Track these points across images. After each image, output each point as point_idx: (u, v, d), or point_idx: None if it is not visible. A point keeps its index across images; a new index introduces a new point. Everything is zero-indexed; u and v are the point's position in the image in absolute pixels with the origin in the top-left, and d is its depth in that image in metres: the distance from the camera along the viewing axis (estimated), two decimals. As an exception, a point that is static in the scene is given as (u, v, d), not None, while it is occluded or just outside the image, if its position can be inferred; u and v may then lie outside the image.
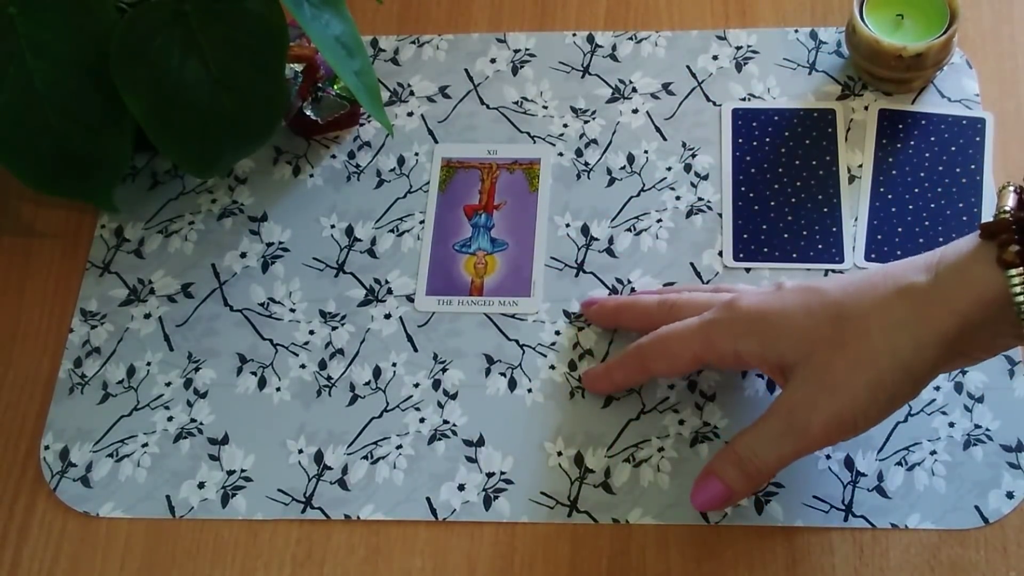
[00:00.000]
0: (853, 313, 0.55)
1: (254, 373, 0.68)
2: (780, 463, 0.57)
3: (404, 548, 0.63)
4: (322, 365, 0.68)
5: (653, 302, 0.65)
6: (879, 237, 0.69)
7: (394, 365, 0.68)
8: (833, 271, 0.68)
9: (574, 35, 0.79)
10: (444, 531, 0.63)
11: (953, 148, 0.72)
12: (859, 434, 0.56)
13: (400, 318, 0.69)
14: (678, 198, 0.72)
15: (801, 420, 0.55)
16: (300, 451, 0.66)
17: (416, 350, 0.68)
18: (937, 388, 0.65)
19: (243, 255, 0.72)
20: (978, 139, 0.72)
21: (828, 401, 0.55)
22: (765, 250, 0.70)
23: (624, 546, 0.62)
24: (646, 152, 0.74)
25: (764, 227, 0.70)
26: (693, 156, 0.73)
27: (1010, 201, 0.54)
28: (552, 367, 0.67)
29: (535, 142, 0.75)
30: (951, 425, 0.64)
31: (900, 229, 0.69)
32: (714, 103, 0.75)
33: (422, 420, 0.66)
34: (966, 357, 0.57)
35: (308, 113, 0.75)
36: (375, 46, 0.80)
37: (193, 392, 0.68)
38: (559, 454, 0.65)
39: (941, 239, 0.69)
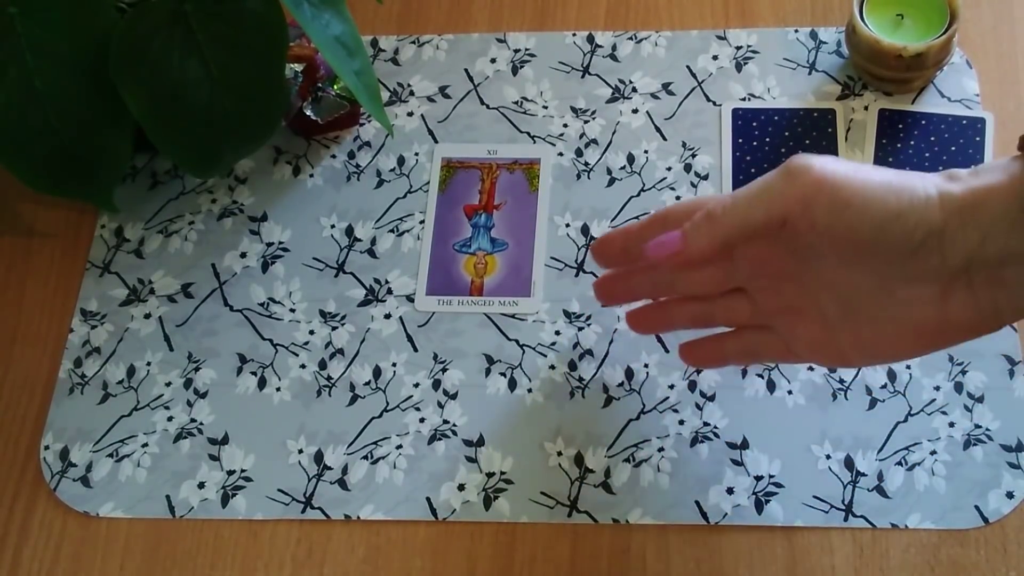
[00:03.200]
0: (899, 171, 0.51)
1: (254, 373, 0.68)
2: (748, 215, 0.51)
3: (404, 548, 0.63)
4: (322, 365, 0.68)
5: (680, 205, 0.57)
6: (879, 237, 0.69)
7: (394, 365, 0.68)
8: (833, 271, 0.68)
9: (574, 35, 0.79)
10: (444, 531, 0.63)
11: (953, 148, 0.72)
12: (837, 230, 0.50)
13: (400, 318, 0.69)
14: (678, 198, 0.72)
15: (799, 164, 0.50)
16: (300, 451, 0.66)
17: (416, 350, 0.68)
18: (937, 388, 0.65)
19: (243, 255, 0.72)
20: (978, 139, 0.72)
21: (839, 165, 0.50)
22: (765, 250, 0.69)
23: (624, 546, 0.62)
24: (646, 152, 0.74)
25: (764, 227, 0.70)
26: (693, 156, 0.74)
27: None
28: (552, 367, 0.67)
29: (535, 142, 0.75)
30: (951, 425, 0.64)
31: (900, 229, 0.69)
32: (714, 103, 0.75)
33: (422, 420, 0.66)
34: (969, 273, 0.50)
35: (308, 113, 0.75)
36: (375, 46, 0.80)
37: (193, 392, 0.68)
38: (559, 454, 0.65)
39: (941, 239, 0.69)
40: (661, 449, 0.64)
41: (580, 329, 0.68)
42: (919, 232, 0.50)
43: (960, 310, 0.51)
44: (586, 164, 0.74)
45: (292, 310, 0.70)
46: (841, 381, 0.65)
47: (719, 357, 0.60)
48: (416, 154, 0.75)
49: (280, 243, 0.73)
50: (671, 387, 0.66)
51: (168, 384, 0.68)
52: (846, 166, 0.50)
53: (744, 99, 0.75)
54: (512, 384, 0.67)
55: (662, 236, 0.55)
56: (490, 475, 0.64)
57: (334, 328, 0.69)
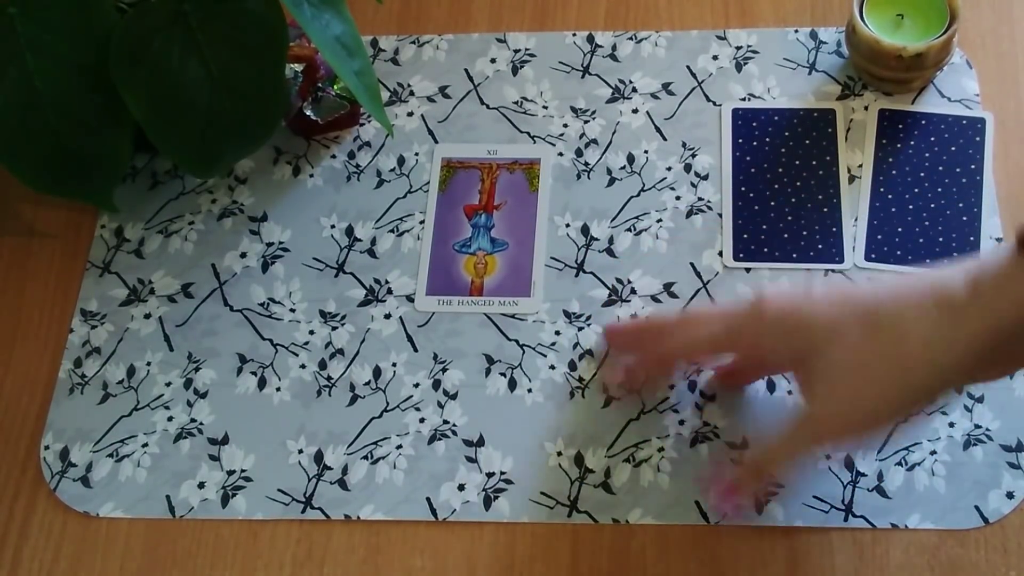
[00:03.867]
0: (887, 313, 0.54)
1: (254, 373, 0.68)
2: (785, 460, 0.57)
3: (404, 548, 0.63)
4: (322, 365, 0.68)
5: (672, 316, 0.64)
6: (879, 237, 0.69)
7: (394, 365, 0.68)
8: (833, 271, 0.68)
9: (574, 35, 0.79)
10: (444, 531, 0.63)
11: (953, 148, 0.72)
12: (876, 433, 0.56)
13: (400, 318, 0.69)
14: (678, 198, 0.72)
15: (813, 424, 0.55)
16: (300, 451, 0.66)
17: (416, 350, 0.68)
18: (937, 388, 0.65)
19: (243, 255, 0.72)
20: (978, 139, 0.72)
21: (855, 391, 0.54)
22: (765, 250, 0.70)
23: (624, 546, 0.62)
24: (646, 152, 0.74)
25: (764, 227, 0.70)
26: (693, 156, 0.73)
27: None
28: (552, 367, 0.67)
29: (535, 142, 0.75)
30: (951, 425, 0.64)
31: (900, 229, 0.69)
32: (714, 103, 0.75)
33: (422, 420, 0.66)
34: (1000, 368, 0.56)
35: (308, 113, 0.75)
36: (375, 46, 0.80)
37: (193, 392, 0.68)
38: (559, 454, 0.65)
39: (941, 239, 0.69)
40: (661, 449, 0.64)
41: (580, 329, 0.68)
42: (941, 396, 0.58)
43: (982, 376, 0.58)
44: (586, 164, 0.74)
45: (292, 310, 0.70)
46: (841, 381, 0.65)
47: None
48: (416, 154, 0.75)
49: (280, 243, 0.73)
50: (671, 387, 0.66)
51: (168, 384, 0.68)
52: (850, 400, 0.54)
53: (744, 99, 0.75)
54: (512, 384, 0.67)
55: (721, 490, 0.60)
56: (490, 475, 0.64)
57: (334, 328, 0.69)
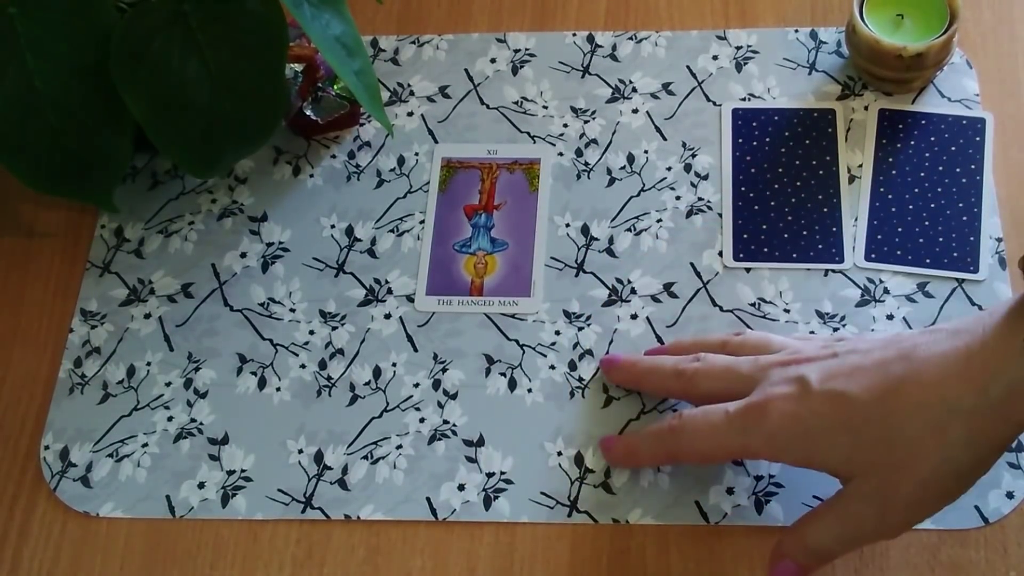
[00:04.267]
0: (904, 436, 0.53)
1: (254, 373, 0.68)
2: (847, 552, 0.59)
3: (404, 548, 0.63)
4: (322, 365, 0.68)
5: (669, 371, 0.62)
6: (879, 237, 0.69)
7: (394, 365, 0.68)
8: (833, 271, 0.68)
9: (574, 35, 0.79)
10: (444, 531, 0.63)
11: (953, 148, 0.72)
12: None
13: (400, 318, 0.69)
14: (678, 198, 0.72)
15: (871, 528, 0.56)
16: (300, 451, 0.66)
17: (416, 350, 0.68)
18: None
19: (243, 255, 0.72)
20: (978, 139, 0.72)
21: (899, 516, 0.55)
22: (765, 250, 0.70)
23: (624, 546, 0.62)
24: (646, 152, 0.74)
25: (764, 227, 0.70)
26: (693, 156, 0.73)
27: None
28: (552, 367, 0.67)
29: (535, 142, 0.75)
30: (951, 425, 0.64)
31: (900, 229, 0.69)
32: (714, 103, 0.75)
33: (422, 420, 0.66)
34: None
35: (308, 113, 0.75)
36: (375, 46, 0.80)
37: (193, 392, 0.68)
38: (559, 454, 0.65)
39: (941, 239, 0.69)
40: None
41: (580, 329, 0.68)
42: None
43: None
44: (586, 164, 0.74)
45: (292, 310, 0.70)
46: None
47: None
48: (416, 154, 0.75)
49: (280, 243, 0.73)
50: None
51: (168, 384, 0.68)
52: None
53: (744, 99, 0.75)
54: (512, 384, 0.67)
55: (782, 568, 0.58)
56: (490, 475, 0.64)
57: (334, 328, 0.69)
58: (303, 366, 0.68)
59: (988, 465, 0.54)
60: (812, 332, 0.67)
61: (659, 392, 0.65)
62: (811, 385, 0.56)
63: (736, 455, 0.60)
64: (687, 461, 0.62)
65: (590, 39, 0.79)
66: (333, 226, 0.73)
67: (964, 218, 0.69)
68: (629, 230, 0.71)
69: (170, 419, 0.67)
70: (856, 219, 0.70)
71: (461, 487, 0.64)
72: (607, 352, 0.67)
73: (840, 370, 0.56)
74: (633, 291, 0.69)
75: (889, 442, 0.54)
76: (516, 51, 0.79)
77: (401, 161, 0.75)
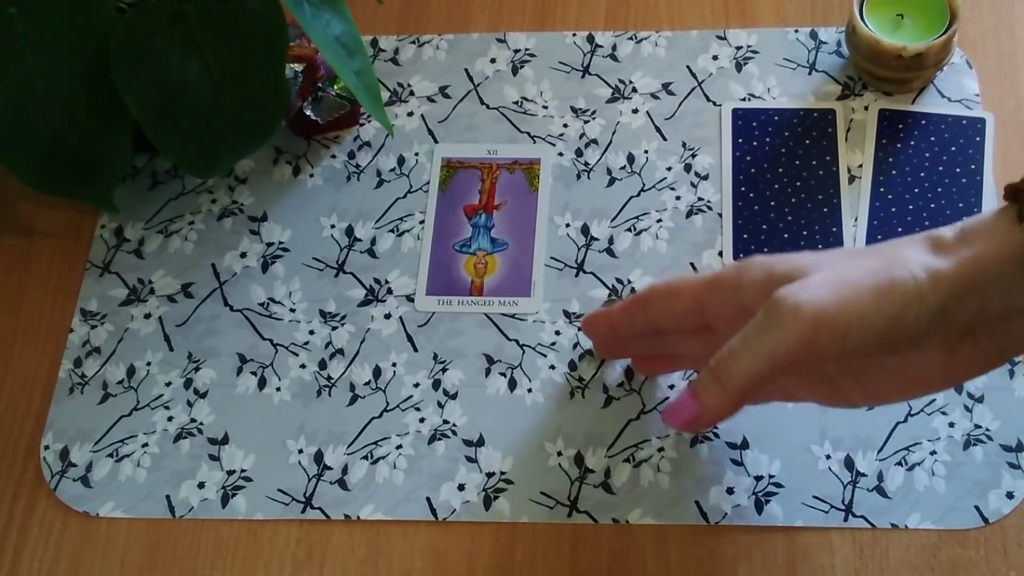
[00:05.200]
0: (874, 247, 0.52)
1: (254, 373, 0.68)
2: (755, 365, 0.50)
3: (404, 548, 0.63)
4: (322, 365, 0.68)
5: (648, 288, 0.60)
6: (879, 237, 0.69)
7: (394, 365, 0.68)
8: (833, 271, 0.68)
9: (574, 35, 0.79)
10: (444, 531, 0.63)
11: (953, 148, 0.72)
12: (845, 351, 0.49)
13: (400, 318, 0.69)
14: (678, 198, 0.72)
15: (788, 308, 0.49)
16: (300, 451, 0.66)
17: (416, 350, 0.68)
18: (937, 388, 0.65)
19: (243, 255, 0.72)
20: (978, 139, 0.72)
21: (826, 294, 0.49)
22: (765, 250, 0.70)
23: (624, 546, 0.62)
24: (646, 152, 0.74)
25: (764, 227, 0.70)
26: (693, 156, 0.74)
27: None
28: (552, 367, 0.67)
29: (535, 142, 0.75)
30: (951, 425, 0.64)
31: (900, 229, 0.69)
32: (714, 103, 0.75)
33: (422, 420, 0.66)
34: (973, 329, 0.51)
35: (308, 113, 0.75)
36: (375, 46, 0.80)
37: (193, 392, 0.68)
38: (559, 454, 0.65)
39: (941, 239, 0.69)
40: (661, 449, 0.64)
41: (580, 329, 0.68)
42: (920, 322, 0.49)
43: (967, 360, 0.52)
44: (586, 164, 0.74)
45: (292, 310, 0.70)
46: (841, 381, 0.65)
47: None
48: (416, 154, 0.75)
49: (280, 243, 0.73)
50: (671, 387, 0.66)
51: (168, 384, 0.68)
52: (831, 290, 0.49)
53: (744, 99, 0.75)
54: (512, 384, 0.67)
55: (674, 403, 0.54)
56: (490, 475, 0.64)
57: (334, 328, 0.69)
58: (303, 366, 0.68)
59: (936, 293, 0.49)
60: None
61: (636, 324, 0.60)
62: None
63: (701, 292, 0.55)
64: (656, 309, 0.58)
65: (590, 39, 0.79)
66: (333, 226, 0.73)
67: (964, 218, 0.69)
68: (629, 230, 0.71)
69: (170, 419, 0.67)
70: (856, 219, 0.70)
71: (461, 487, 0.64)
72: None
73: None
74: (633, 291, 0.69)
75: (863, 248, 0.51)
76: (516, 51, 0.79)
77: (401, 161, 0.75)
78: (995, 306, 0.50)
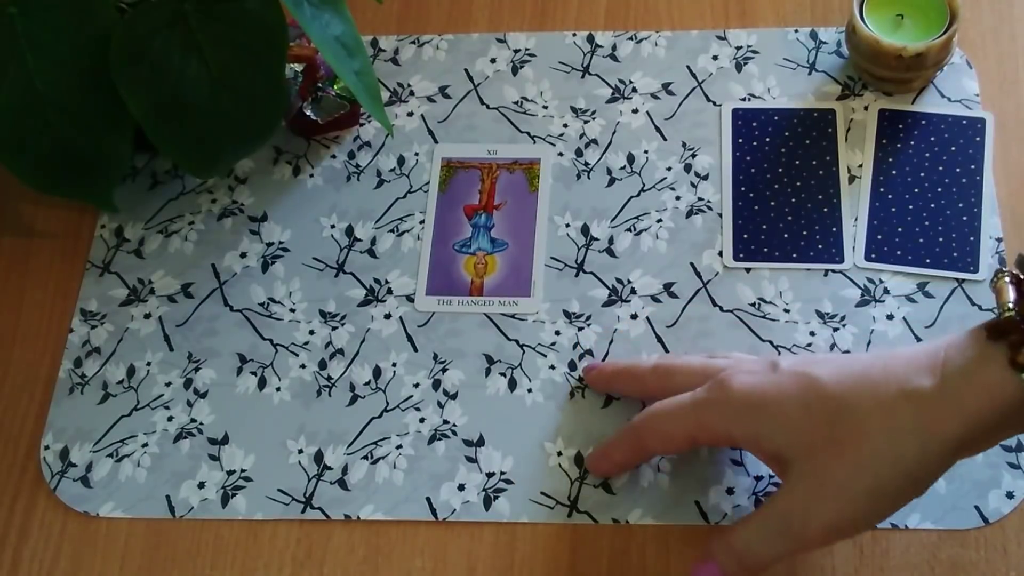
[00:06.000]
0: (853, 413, 0.52)
1: (254, 373, 0.68)
2: (776, 560, 0.55)
3: (404, 548, 0.63)
4: (322, 365, 0.68)
5: (647, 368, 0.63)
6: (879, 237, 0.69)
7: (394, 365, 0.68)
8: (833, 271, 0.68)
9: (574, 35, 0.79)
10: (444, 531, 0.63)
11: (953, 148, 0.72)
12: (860, 534, 0.55)
13: (400, 318, 0.69)
14: (678, 198, 0.72)
15: (798, 524, 0.53)
16: (300, 451, 0.66)
17: (416, 350, 0.68)
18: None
19: (243, 255, 0.72)
20: (978, 139, 0.72)
21: (826, 508, 0.52)
22: (765, 250, 0.70)
23: (624, 546, 0.62)
24: (646, 152, 0.74)
25: (764, 227, 0.70)
26: (693, 156, 0.74)
27: (1011, 295, 0.52)
28: (552, 367, 0.67)
29: (535, 142, 0.75)
30: (951, 425, 0.64)
31: (900, 229, 0.69)
32: (714, 103, 0.75)
33: (422, 420, 0.66)
34: (970, 451, 0.54)
35: (308, 113, 0.75)
36: (375, 46, 0.80)
37: (193, 392, 0.68)
38: (559, 454, 0.65)
39: (941, 239, 0.69)
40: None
41: (580, 329, 0.68)
42: (921, 491, 0.53)
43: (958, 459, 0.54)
44: (586, 164, 0.74)
45: (292, 310, 0.70)
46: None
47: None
48: (416, 154, 0.75)
49: (280, 243, 0.73)
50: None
51: (168, 384, 0.68)
52: (831, 503, 0.53)
53: (744, 99, 0.75)
54: (512, 384, 0.67)
55: (704, 568, 0.57)
56: (490, 475, 0.64)
57: (334, 328, 0.69)
58: (303, 366, 0.68)
59: (933, 470, 0.52)
60: (812, 332, 0.67)
61: (635, 389, 0.64)
62: (780, 365, 0.56)
63: (693, 431, 0.58)
64: (653, 449, 0.61)
65: (590, 39, 0.79)
66: (333, 226, 0.73)
67: (964, 218, 0.69)
68: (629, 230, 0.71)
69: (170, 419, 0.67)
70: (856, 219, 0.70)
71: (461, 487, 0.64)
72: (607, 353, 0.67)
73: (814, 359, 0.57)
74: (633, 291, 0.69)
75: (837, 416, 0.52)
76: (516, 51, 0.79)
77: (401, 161, 0.75)
78: (992, 437, 0.53)
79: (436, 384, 0.67)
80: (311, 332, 0.69)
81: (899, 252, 0.69)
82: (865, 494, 0.52)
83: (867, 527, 0.55)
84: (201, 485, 0.65)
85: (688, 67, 0.77)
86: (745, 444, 0.57)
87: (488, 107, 0.77)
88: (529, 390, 0.67)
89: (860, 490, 0.52)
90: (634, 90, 0.76)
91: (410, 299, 0.70)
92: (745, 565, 0.56)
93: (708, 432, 0.58)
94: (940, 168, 0.71)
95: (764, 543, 0.55)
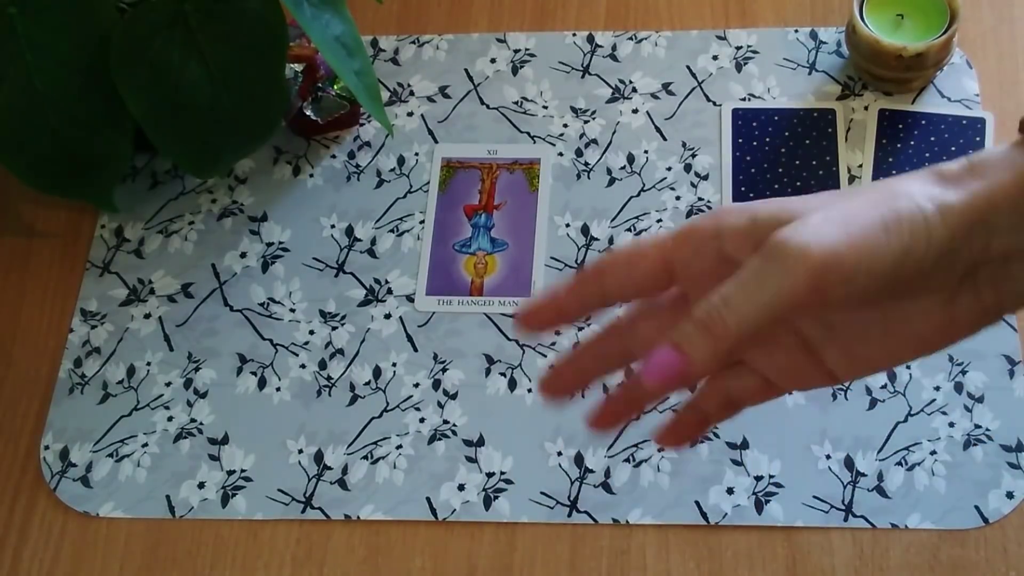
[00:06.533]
0: (873, 184, 0.47)
1: (254, 373, 0.68)
2: (755, 316, 0.44)
3: (404, 548, 0.63)
4: (322, 365, 0.68)
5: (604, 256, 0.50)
6: (879, 237, 0.69)
7: (394, 365, 0.68)
8: (833, 271, 0.68)
9: (574, 35, 0.79)
10: (444, 531, 0.63)
11: (953, 148, 0.72)
12: (852, 294, 0.44)
13: (400, 318, 0.69)
14: (678, 198, 0.72)
15: (794, 249, 0.43)
16: (300, 451, 0.66)
17: (416, 350, 0.68)
18: (937, 388, 0.65)
19: (243, 255, 0.72)
20: (978, 139, 0.72)
21: (833, 231, 0.44)
22: (765, 250, 0.69)
23: (624, 546, 0.62)
24: (646, 152, 0.74)
25: (764, 227, 0.70)
26: (693, 156, 0.74)
27: None
28: (552, 367, 0.67)
29: (535, 142, 0.75)
30: (951, 425, 0.64)
31: (900, 229, 0.69)
32: (714, 103, 0.75)
33: (422, 420, 0.66)
34: (974, 274, 0.47)
35: (308, 113, 0.75)
36: (375, 46, 0.80)
37: (193, 392, 0.68)
38: (559, 454, 0.65)
39: (941, 239, 0.69)
40: (661, 449, 0.64)
41: (580, 329, 0.68)
42: (928, 258, 0.45)
43: (964, 312, 0.48)
44: (586, 164, 0.74)
45: (292, 310, 0.70)
46: (841, 381, 0.65)
47: (702, 424, 0.53)
48: (416, 154, 0.75)
49: (280, 243, 0.73)
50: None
51: (168, 384, 0.68)
52: (837, 228, 0.45)
53: (744, 99, 0.75)
54: (512, 384, 0.67)
55: (653, 360, 0.45)
56: (490, 475, 0.64)
57: (334, 328, 0.69)
58: (303, 366, 0.68)
59: (950, 227, 0.44)
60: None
61: (589, 302, 0.51)
62: None
63: (668, 247, 0.48)
64: (613, 283, 0.50)
65: (590, 39, 0.79)
66: (333, 226, 0.73)
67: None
68: (629, 230, 0.71)
69: (170, 419, 0.67)
70: (856, 219, 0.70)
71: (461, 487, 0.64)
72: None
73: None
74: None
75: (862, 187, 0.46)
76: (516, 51, 0.79)
77: (401, 161, 0.75)
78: (1001, 244, 0.46)
79: (436, 384, 0.67)
80: (311, 332, 0.69)
81: (899, 252, 0.69)
82: (880, 222, 0.44)
83: (868, 277, 0.44)
84: (201, 485, 0.65)
85: (688, 67, 0.77)
86: (734, 236, 0.46)
87: (488, 107, 0.77)
88: (529, 390, 0.67)
89: (875, 217, 0.44)
90: (634, 90, 0.76)
91: (410, 299, 0.70)
92: (710, 325, 0.44)
93: (688, 241, 0.47)
94: (940, 168, 0.71)
95: (746, 290, 0.44)
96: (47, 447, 0.67)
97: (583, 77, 0.77)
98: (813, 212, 0.45)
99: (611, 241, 0.71)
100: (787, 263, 0.44)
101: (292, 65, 0.74)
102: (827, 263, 0.43)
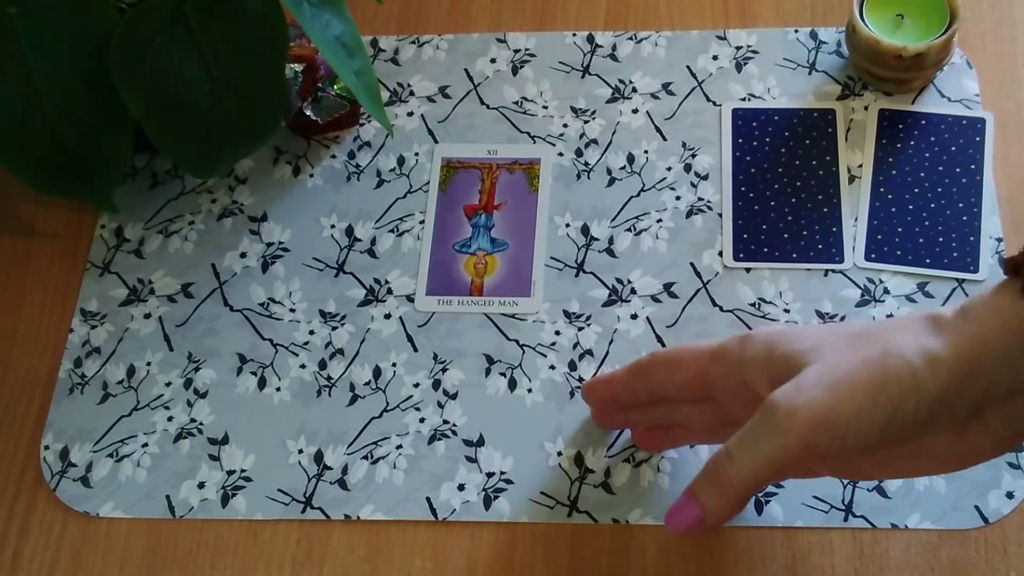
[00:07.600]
0: (873, 329, 0.50)
1: (254, 373, 0.68)
2: (754, 470, 0.50)
3: (404, 548, 0.63)
4: (322, 365, 0.68)
5: (650, 355, 0.59)
6: (879, 237, 0.69)
7: (394, 365, 0.68)
8: (833, 271, 0.69)
9: (574, 35, 0.79)
10: (444, 531, 0.63)
11: (953, 148, 0.72)
12: (846, 448, 0.49)
13: (400, 318, 0.69)
14: (678, 198, 0.72)
15: (784, 413, 0.49)
16: (300, 451, 0.66)
17: (416, 350, 0.68)
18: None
19: (243, 255, 0.72)
20: (978, 139, 0.72)
21: (821, 395, 0.48)
22: (765, 250, 0.70)
23: (624, 546, 0.62)
24: (646, 152, 0.74)
25: (764, 227, 0.70)
26: (693, 156, 0.74)
27: None
28: (552, 367, 0.67)
29: (535, 142, 0.75)
30: (951, 425, 0.64)
31: (900, 229, 0.69)
32: (714, 103, 0.75)
33: (422, 420, 0.66)
34: (980, 382, 0.49)
35: (308, 113, 0.75)
36: (375, 46, 0.80)
37: (193, 392, 0.68)
38: (559, 454, 0.65)
39: (941, 239, 0.69)
40: (661, 449, 0.64)
41: (580, 329, 0.68)
42: (921, 410, 0.48)
43: (977, 441, 0.50)
44: (586, 164, 0.74)
45: (292, 310, 0.70)
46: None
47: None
48: (416, 154, 0.75)
49: (280, 243, 0.73)
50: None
51: (168, 384, 0.68)
52: (825, 389, 0.49)
53: (744, 99, 0.75)
54: (512, 384, 0.67)
55: (675, 507, 0.54)
56: (490, 475, 0.64)
57: (334, 328, 0.69)
58: (303, 366, 0.68)
59: (941, 382, 0.48)
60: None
61: (637, 393, 0.61)
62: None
63: (705, 365, 0.55)
64: (657, 381, 0.58)
65: (590, 39, 0.79)
66: (333, 226, 0.73)
67: (964, 218, 0.69)
68: (629, 230, 0.71)
69: (170, 419, 0.67)
70: (856, 219, 0.70)
71: (461, 487, 0.64)
72: (607, 352, 0.67)
73: None
74: (633, 291, 0.69)
75: (856, 333, 0.50)
76: (516, 51, 0.79)
77: (401, 161, 0.75)
78: (1002, 385, 0.49)
79: (436, 384, 0.67)
80: (311, 332, 0.69)
81: (899, 252, 0.69)
82: (867, 387, 0.48)
83: (858, 436, 0.49)
84: (201, 485, 0.65)
85: (688, 67, 0.77)
86: (754, 365, 0.52)
87: (488, 107, 0.77)
88: (529, 390, 0.67)
89: (863, 381, 0.48)
90: (634, 90, 0.76)
91: (410, 299, 0.70)
92: (719, 482, 0.51)
93: (721, 361, 0.54)
94: (940, 168, 0.71)
95: (741, 446, 0.50)
96: (47, 447, 0.67)
97: (583, 77, 0.77)
98: (812, 361, 0.50)
99: (611, 241, 0.71)
100: (780, 425, 0.49)
101: (292, 65, 0.74)
102: (815, 426, 0.48)
